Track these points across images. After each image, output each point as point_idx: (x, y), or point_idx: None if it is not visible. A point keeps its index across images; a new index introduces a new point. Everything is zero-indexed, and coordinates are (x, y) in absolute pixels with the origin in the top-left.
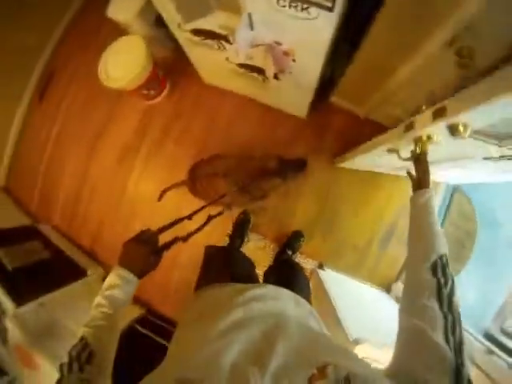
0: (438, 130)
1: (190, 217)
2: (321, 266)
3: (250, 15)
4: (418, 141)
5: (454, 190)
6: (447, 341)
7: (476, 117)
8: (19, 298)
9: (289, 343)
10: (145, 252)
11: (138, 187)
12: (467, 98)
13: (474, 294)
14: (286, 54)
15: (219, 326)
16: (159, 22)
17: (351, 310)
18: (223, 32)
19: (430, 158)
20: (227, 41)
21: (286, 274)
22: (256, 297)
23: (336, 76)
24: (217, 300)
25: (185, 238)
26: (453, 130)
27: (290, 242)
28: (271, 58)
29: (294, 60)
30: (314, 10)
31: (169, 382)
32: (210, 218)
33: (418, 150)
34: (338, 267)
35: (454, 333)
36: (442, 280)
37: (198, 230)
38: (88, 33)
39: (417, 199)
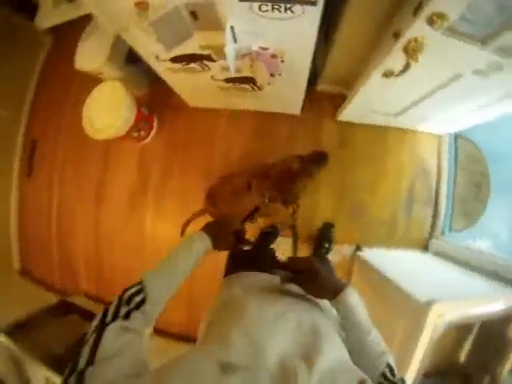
0: (420, 28)
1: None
2: (359, 248)
3: (232, 28)
4: (407, 49)
5: (457, 138)
6: None
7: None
8: None
9: (331, 346)
10: (230, 229)
11: (156, 228)
12: None
13: (506, 225)
14: (273, 56)
15: (263, 314)
16: (130, 61)
17: (406, 277)
18: (205, 52)
19: (423, 89)
20: (210, 59)
21: None
22: (297, 293)
23: (318, 64)
24: (256, 286)
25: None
26: (431, 22)
27: (323, 235)
28: (262, 65)
29: (282, 61)
30: (297, 8)
31: (212, 364)
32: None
33: (409, 62)
34: (373, 244)
35: None
36: None
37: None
38: (59, 91)
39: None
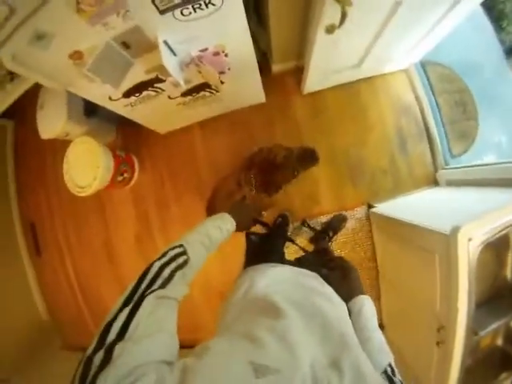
0: None
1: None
2: (370, 206)
3: (166, 42)
4: None
5: (423, 66)
6: None
7: None
8: None
9: (357, 349)
10: (251, 213)
11: None
12: None
13: (503, 132)
14: (215, 54)
15: (294, 316)
16: (89, 113)
17: (425, 215)
18: (152, 75)
19: (371, 29)
20: (160, 81)
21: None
22: (318, 292)
23: (263, 48)
24: (282, 281)
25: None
26: None
27: (332, 224)
28: (209, 66)
29: (226, 55)
30: None
31: (243, 363)
32: None
33: (344, 9)
34: (384, 197)
35: None
36: None
37: None
38: (37, 166)
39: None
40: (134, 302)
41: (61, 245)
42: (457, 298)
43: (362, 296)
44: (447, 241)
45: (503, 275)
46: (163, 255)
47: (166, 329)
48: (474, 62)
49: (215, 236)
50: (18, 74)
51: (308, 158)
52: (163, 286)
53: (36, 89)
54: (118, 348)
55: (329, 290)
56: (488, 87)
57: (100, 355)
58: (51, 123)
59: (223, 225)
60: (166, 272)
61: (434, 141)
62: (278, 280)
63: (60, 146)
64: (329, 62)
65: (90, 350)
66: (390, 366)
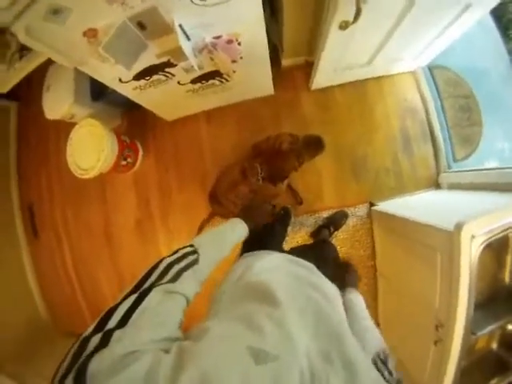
0: None
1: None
2: (372, 205)
3: (181, 26)
4: None
5: (431, 69)
6: None
7: None
8: None
9: (351, 342)
10: (265, 213)
11: (173, 247)
12: None
13: (506, 138)
14: (229, 42)
15: (291, 305)
16: (96, 96)
17: (428, 214)
18: (164, 59)
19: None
20: (171, 65)
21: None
22: (313, 284)
23: (275, 41)
24: (279, 267)
25: None
26: None
27: (334, 220)
28: (222, 53)
29: (239, 43)
30: None
31: (240, 347)
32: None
33: (359, 6)
34: (385, 195)
35: None
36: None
37: None
38: (39, 147)
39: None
40: (141, 291)
41: (59, 227)
42: (457, 295)
43: (355, 289)
44: (450, 237)
45: (501, 278)
46: (173, 253)
47: (169, 323)
48: (481, 69)
49: (227, 238)
50: (27, 54)
51: (314, 144)
52: (173, 280)
53: (39, 71)
54: (117, 333)
55: (324, 281)
56: (494, 95)
57: (97, 337)
58: (57, 104)
59: (235, 227)
60: (175, 269)
61: (437, 143)
62: (273, 266)
63: (63, 128)
64: (339, 58)
65: (87, 332)
66: (380, 354)
